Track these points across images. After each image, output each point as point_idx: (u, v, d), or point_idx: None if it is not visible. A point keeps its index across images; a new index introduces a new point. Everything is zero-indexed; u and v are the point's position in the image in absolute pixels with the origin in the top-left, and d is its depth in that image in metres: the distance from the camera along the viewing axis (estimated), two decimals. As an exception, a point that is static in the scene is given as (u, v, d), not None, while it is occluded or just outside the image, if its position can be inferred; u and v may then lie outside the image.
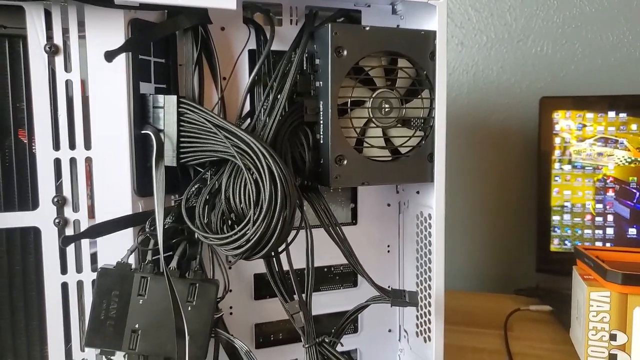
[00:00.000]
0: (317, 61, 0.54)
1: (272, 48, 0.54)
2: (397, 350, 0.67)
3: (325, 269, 0.64)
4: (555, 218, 1.02)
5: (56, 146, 0.47)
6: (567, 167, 1.02)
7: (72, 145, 0.48)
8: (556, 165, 1.02)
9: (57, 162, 0.47)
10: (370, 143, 0.54)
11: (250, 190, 0.46)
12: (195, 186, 0.51)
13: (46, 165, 0.47)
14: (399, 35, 0.54)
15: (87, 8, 0.46)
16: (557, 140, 1.02)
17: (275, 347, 0.61)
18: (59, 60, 0.46)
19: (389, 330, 0.67)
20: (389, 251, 0.66)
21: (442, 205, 0.57)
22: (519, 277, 1.10)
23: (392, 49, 0.54)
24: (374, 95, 0.54)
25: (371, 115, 0.54)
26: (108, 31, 0.47)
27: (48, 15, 0.46)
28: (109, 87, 0.48)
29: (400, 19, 0.61)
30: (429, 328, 0.61)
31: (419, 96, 0.55)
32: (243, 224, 0.46)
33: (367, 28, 0.52)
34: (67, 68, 0.47)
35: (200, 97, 0.54)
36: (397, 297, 0.51)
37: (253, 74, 0.53)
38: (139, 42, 0.49)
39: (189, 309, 0.48)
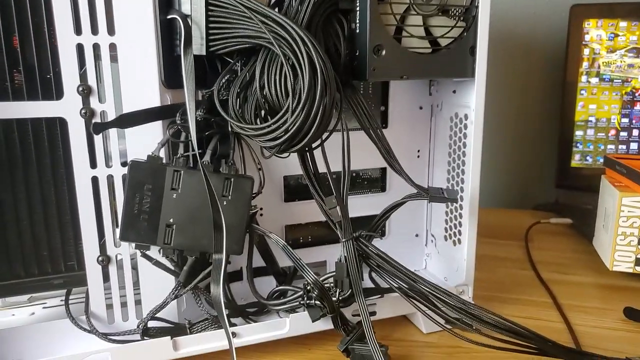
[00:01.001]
0: (354, -57, 0.49)
1: None
2: (423, 255, 0.67)
3: (354, 174, 0.63)
4: (579, 133, 1.00)
5: (77, 30, 0.44)
6: (594, 80, 0.98)
7: (95, 30, 0.44)
8: (583, 78, 0.98)
9: (80, 48, 0.44)
10: (410, 32, 0.50)
11: (288, 78, 0.43)
12: (225, 78, 0.48)
13: (68, 52, 0.44)
14: None
15: None
16: (586, 51, 0.98)
17: (304, 249, 0.61)
18: None
19: (416, 235, 0.67)
20: (418, 156, 0.64)
21: (482, 102, 0.54)
22: (537, 194, 1.10)
23: None
24: (414, -20, 0.49)
25: (412, 1, 0.50)
26: None
27: None
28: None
29: None
30: (459, 231, 0.60)
31: (463, -17, 0.51)
32: (281, 113, 0.43)
33: None
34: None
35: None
36: (435, 194, 0.49)
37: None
38: None
39: (225, 203, 0.47)
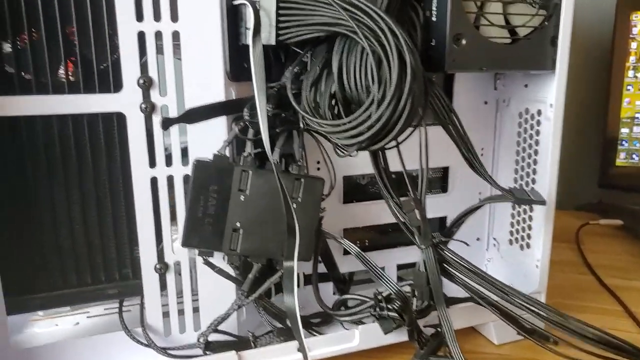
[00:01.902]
0: None
1: None
2: (484, 260, 0.64)
3: (414, 173, 0.59)
4: (624, 130, 0.96)
5: (139, 16, 0.40)
6: (641, 76, 0.94)
7: (157, 16, 0.40)
8: (630, 73, 0.94)
9: (141, 36, 0.40)
10: (490, 20, 0.46)
11: (371, 69, 0.39)
12: (295, 69, 0.44)
13: (128, 40, 0.40)
14: None
15: None
16: (634, 45, 0.94)
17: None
18: None
19: (477, 239, 0.63)
20: (482, 154, 0.60)
21: (562, 97, 0.51)
22: (578, 193, 1.06)
23: None
24: (497, -38, 0.46)
25: (494, -13, 0.46)
26: None
27: None
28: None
29: None
30: (527, 235, 0.56)
31: (546, -34, 0.47)
32: (364, 107, 0.39)
33: None
34: None
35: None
36: (521, 196, 0.46)
37: None
38: None
39: (294, 205, 0.43)
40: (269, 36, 0.42)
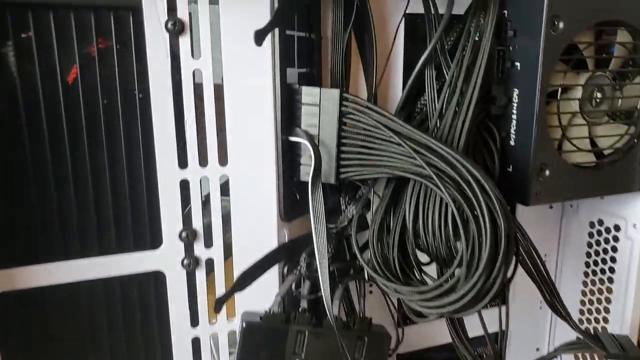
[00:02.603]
0: (511, 33, 0.39)
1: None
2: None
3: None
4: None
5: (182, 163, 0.34)
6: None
7: (204, 161, 0.35)
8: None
9: (184, 185, 0.34)
10: (575, 145, 0.41)
11: (456, 224, 0.34)
12: (354, 208, 0.39)
13: (170, 190, 0.34)
14: (627, -2, 0.39)
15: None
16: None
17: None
18: (184, 42, 0.32)
19: (537, 349, 0.57)
20: (545, 260, 0.55)
21: (649, 221, 0.45)
22: None
23: (617, 17, 0.39)
24: (585, 81, 0.40)
25: (581, 109, 0.40)
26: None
27: (169, -23, 0.31)
28: (250, 77, 0.34)
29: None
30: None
31: (638, 80, 0.42)
32: (451, 269, 0.34)
33: (593, -12, 0.38)
34: (195, 53, 0.33)
35: (346, 82, 0.40)
36: (612, 348, 0.40)
37: (428, 50, 0.39)
38: (290, 12, 0.35)
39: (358, 368, 0.37)
40: (330, 175, 0.37)
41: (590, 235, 0.51)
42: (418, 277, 0.36)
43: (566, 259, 0.54)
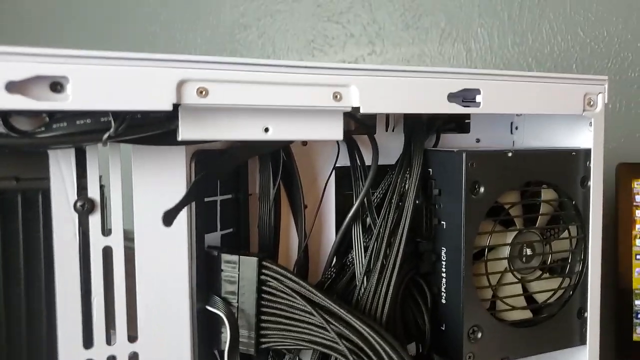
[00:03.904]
0: (437, 192, 0.40)
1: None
2: None
3: None
4: (638, 303, 0.89)
5: (87, 342, 0.33)
6: (650, 245, 0.89)
7: (110, 340, 0.33)
8: (638, 242, 0.89)
9: (90, 365, 0.33)
10: (509, 303, 0.40)
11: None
12: (280, 377, 0.37)
13: (73, 372, 0.32)
14: (547, 159, 0.40)
15: (137, 147, 0.32)
16: (638, 213, 0.90)
17: None
18: (94, 220, 0.32)
19: None
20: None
21: (596, 376, 0.43)
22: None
23: (538, 178, 0.40)
24: (513, 240, 0.40)
25: (511, 267, 0.40)
26: (164, 173, 0.33)
27: (80, 158, 0.31)
28: (164, 249, 0.33)
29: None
30: None
31: (565, 234, 0.42)
32: None
33: (510, 154, 0.39)
34: (105, 230, 0.32)
35: (276, 239, 0.39)
36: None
37: (356, 205, 0.39)
38: (208, 184, 0.35)
39: None
40: (249, 345, 0.35)
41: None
42: None
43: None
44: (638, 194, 0.90)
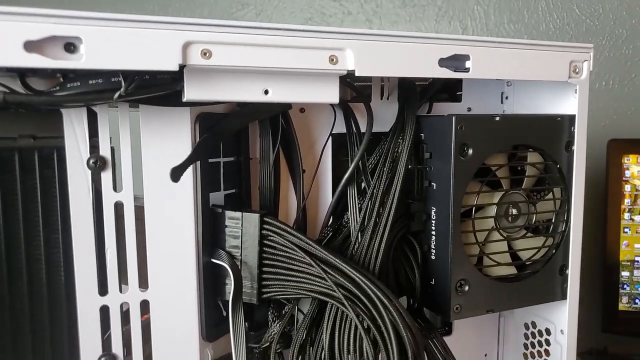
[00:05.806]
0: (427, 155, 0.42)
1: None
2: None
3: None
4: (625, 274, 0.92)
5: (102, 290, 0.35)
6: (638, 218, 0.92)
7: (122, 288, 0.36)
8: (626, 215, 0.92)
9: (104, 311, 0.35)
10: (495, 260, 0.42)
11: (367, 352, 0.35)
12: (278, 326, 0.39)
13: (89, 317, 0.35)
14: (533, 124, 0.42)
15: (144, 109, 0.34)
16: (627, 187, 0.92)
17: None
18: (106, 177, 0.34)
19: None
20: (485, 361, 0.55)
21: (575, 325, 0.46)
22: (581, 337, 1.00)
23: (525, 142, 0.42)
24: (499, 200, 0.42)
25: (497, 226, 0.42)
26: (170, 134, 0.35)
27: (92, 120, 0.33)
28: (171, 206, 0.36)
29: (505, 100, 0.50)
30: None
31: (550, 196, 0.44)
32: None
33: (498, 118, 0.41)
34: (117, 186, 0.35)
35: (275, 200, 0.42)
36: None
37: (351, 168, 0.41)
38: (211, 144, 0.37)
39: None
40: (252, 295, 0.38)
41: (526, 336, 0.52)
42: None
43: (506, 357, 0.54)
44: (628, 169, 0.92)
